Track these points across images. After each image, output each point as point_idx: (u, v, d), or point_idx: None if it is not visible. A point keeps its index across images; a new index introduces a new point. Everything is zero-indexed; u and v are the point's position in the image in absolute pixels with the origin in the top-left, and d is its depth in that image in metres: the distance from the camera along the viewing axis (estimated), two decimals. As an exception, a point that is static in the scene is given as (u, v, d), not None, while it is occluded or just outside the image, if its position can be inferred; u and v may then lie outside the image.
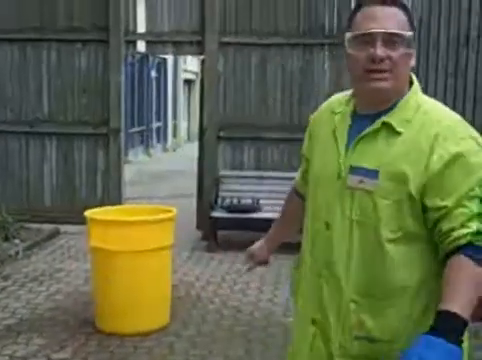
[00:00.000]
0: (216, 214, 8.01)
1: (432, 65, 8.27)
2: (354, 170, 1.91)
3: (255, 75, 8.57)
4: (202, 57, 8.67)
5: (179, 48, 8.79)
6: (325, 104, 2.18)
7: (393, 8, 1.87)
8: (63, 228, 8.57)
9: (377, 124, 1.91)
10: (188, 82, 28.26)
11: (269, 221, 8.75)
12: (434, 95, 7.89)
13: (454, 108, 7.55)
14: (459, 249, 1.78)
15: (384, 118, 1.90)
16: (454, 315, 1.68)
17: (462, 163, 1.81)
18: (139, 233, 5.01)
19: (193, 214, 8.77)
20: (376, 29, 1.84)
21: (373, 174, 1.87)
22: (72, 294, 6.15)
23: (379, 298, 1.90)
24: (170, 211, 5.34)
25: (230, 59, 8.55)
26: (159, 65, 23.46)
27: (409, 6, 7.96)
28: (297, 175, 2.38)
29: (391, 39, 1.84)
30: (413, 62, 1.92)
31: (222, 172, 8.55)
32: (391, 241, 1.87)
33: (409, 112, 1.90)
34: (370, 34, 1.85)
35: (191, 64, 26.25)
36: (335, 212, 1.95)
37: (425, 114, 1.89)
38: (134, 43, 8.79)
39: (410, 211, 1.85)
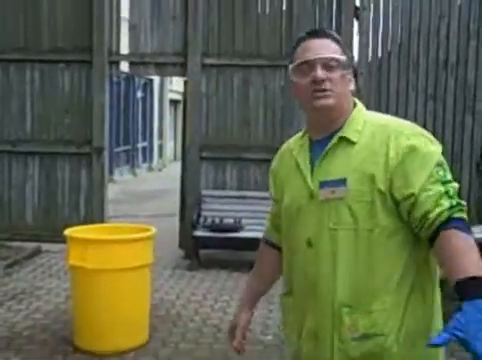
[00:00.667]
0: (198, 233, 8.06)
1: (412, 87, 8.41)
2: (324, 184, 2.08)
3: (237, 96, 8.67)
4: (185, 78, 8.76)
5: (162, 69, 8.90)
6: (283, 147, 2.38)
7: (325, 40, 2.12)
8: (45, 246, 8.58)
9: (335, 140, 2.09)
10: (174, 102, 28.40)
11: (251, 240, 8.84)
12: (414, 118, 8.03)
13: (434, 133, 7.71)
14: (443, 227, 1.91)
15: (339, 134, 2.10)
16: (475, 278, 1.78)
17: (416, 154, 2.00)
18: (117, 251, 5.04)
19: (176, 233, 8.81)
20: (314, 56, 2.08)
21: (341, 182, 2.04)
22: (51, 312, 6.16)
23: (366, 295, 2.03)
24: (149, 230, 5.39)
25: (213, 80, 8.65)
26: (145, 85, 23.59)
27: (389, 29, 8.12)
28: (266, 225, 2.49)
29: (328, 64, 2.07)
30: (352, 86, 2.15)
31: (204, 192, 8.61)
32: (370, 240, 2.01)
33: (358, 125, 2.10)
34: (309, 61, 2.08)
35: (177, 85, 26.38)
36: (315, 228, 2.08)
37: (372, 124, 2.10)
38: (117, 64, 8.89)
39: (382, 207, 2.01)
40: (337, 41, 2.15)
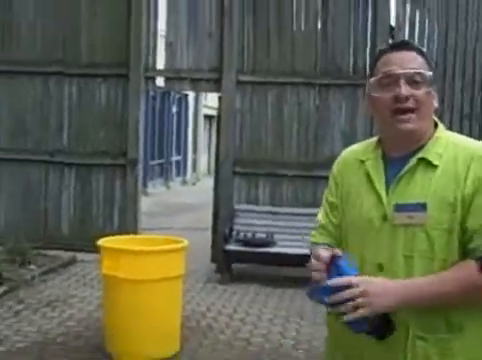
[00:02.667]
0: (230, 247, 8.12)
1: (447, 107, 8.39)
2: (400, 207, 1.94)
3: (271, 113, 8.75)
4: (219, 94, 8.88)
5: (197, 85, 9.04)
6: (346, 155, 2.20)
7: (411, 52, 1.98)
8: (80, 256, 8.73)
9: (414, 161, 1.96)
10: (209, 117, 28.58)
11: (283, 256, 8.85)
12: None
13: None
14: (474, 256, 1.88)
15: (420, 154, 1.97)
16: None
17: None
18: (149, 262, 5.14)
19: (209, 247, 8.89)
20: (398, 70, 1.94)
21: (421, 207, 1.91)
22: (84, 320, 6.28)
23: (443, 332, 1.91)
24: (181, 242, 5.48)
25: (247, 97, 8.74)
26: (180, 100, 23.83)
27: (424, 49, 8.16)
28: (312, 235, 2.22)
29: (413, 79, 1.94)
30: (436, 103, 2.01)
31: (237, 206, 8.68)
32: (447, 269, 1.90)
33: (440, 147, 1.97)
34: (392, 75, 1.94)
35: (212, 100, 26.59)
36: (387, 252, 1.95)
37: (455, 146, 1.97)
38: (153, 79, 9.06)
39: (459, 238, 1.90)
40: (422, 54, 2.01)
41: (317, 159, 8.51)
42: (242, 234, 8.30)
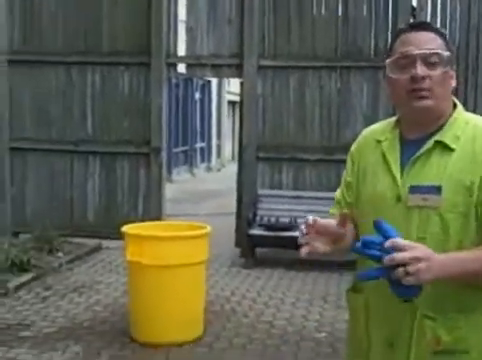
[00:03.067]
0: (254, 232, 8.18)
1: (471, 87, 8.32)
2: (415, 189, 1.94)
3: (293, 97, 8.74)
4: (241, 80, 8.90)
5: (218, 71, 9.06)
6: (365, 134, 2.21)
7: (429, 33, 1.98)
8: (105, 243, 8.85)
9: (430, 143, 1.96)
10: (232, 103, 28.58)
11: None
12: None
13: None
14: None
15: (436, 137, 1.96)
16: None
17: None
18: (173, 248, 5.22)
19: (233, 232, 8.95)
20: (414, 51, 1.94)
21: (436, 190, 1.90)
22: (110, 305, 6.39)
23: (452, 309, 1.91)
24: (204, 228, 5.53)
25: (268, 82, 8.74)
26: (203, 87, 23.86)
27: (447, 30, 8.07)
28: (331, 209, 2.24)
29: (430, 59, 1.93)
30: (454, 82, 2.00)
31: (260, 191, 8.72)
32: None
33: (458, 129, 1.96)
34: (409, 56, 1.95)
35: (235, 86, 26.58)
36: (400, 234, 1.87)
37: (475, 127, 1.96)
38: (175, 66, 9.10)
39: (476, 222, 1.90)
40: (441, 34, 2.00)
41: (339, 143, 8.49)
42: (266, 219, 8.35)
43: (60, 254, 8.03)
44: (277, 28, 8.69)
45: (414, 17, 8.51)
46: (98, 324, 5.83)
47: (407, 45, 1.95)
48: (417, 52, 1.93)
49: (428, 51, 1.94)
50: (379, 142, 2.09)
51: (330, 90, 8.68)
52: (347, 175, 2.21)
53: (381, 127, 2.16)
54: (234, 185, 9.29)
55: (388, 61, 2.00)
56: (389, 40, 8.30)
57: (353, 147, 2.22)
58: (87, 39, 9.07)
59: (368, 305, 2.07)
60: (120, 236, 5.60)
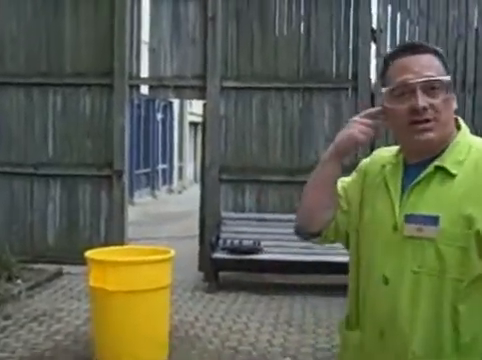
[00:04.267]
0: (217, 255, 8.08)
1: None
2: (411, 218, 1.81)
3: (256, 118, 8.74)
4: (204, 101, 8.85)
5: (181, 92, 9.03)
6: (378, 153, 2.08)
7: (426, 55, 1.84)
8: (66, 268, 8.65)
9: (430, 169, 1.82)
10: (194, 124, 28.58)
11: (270, 262, 8.85)
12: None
13: None
14: None
15: (436, 162, 1.83)
16: None
17: None
18: (137, 273, 5.12)
19: (196, 255, 8.85)
20: (413, 79, 1.79)
21: (432, 220, 1.77)
22: (72, 334, 6.22)
23: (449, 353, 1.77)
24: (168, 252, 5.46)
25: (231, 103, 8.74)
26: (165, 108, 23.80)
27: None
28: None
29: (430, 87, 1.79)
30: (455, 105, 1.87)
31: (224, 214, 8.65)
32: (458, 292, 1.76)
33: (461, 154, 1.83)
34: (408, 85, 1.80)
35: (197, 107, 26.60)
36: (394, 265, 1.83)
37: (478, 152, 1.83)
38: (137, 87, 9.03)
39: (477, 255, 1.75)
40: (438, 55, 1.86)
41: (302, 164, 8.50)
42: (229, 242, 8.27)
43: (19, 281, 7.82)
44: (240, 49, 8.70)
45: (374, 40, 8.60)
46: (60, 354, 5.66)
47: (405, 72, 1.81)
48: (417, 80, 1.78)
49: (428, 79, 1.79)
50: (383, 167, 1.97)
51: (292, 111, 8.70)
52: (349, 185, 2.07)
53: (389, 152, 2.03)
54: (196, 207, 9.21)
55: (384, 90, 1.86)
56: (351, 62, 8.42)
57: (365, 160, 2.09)
58: (50, 60, 8.97)
59: (364, 343, 1.95)
60: (82, 261, 5.49)
